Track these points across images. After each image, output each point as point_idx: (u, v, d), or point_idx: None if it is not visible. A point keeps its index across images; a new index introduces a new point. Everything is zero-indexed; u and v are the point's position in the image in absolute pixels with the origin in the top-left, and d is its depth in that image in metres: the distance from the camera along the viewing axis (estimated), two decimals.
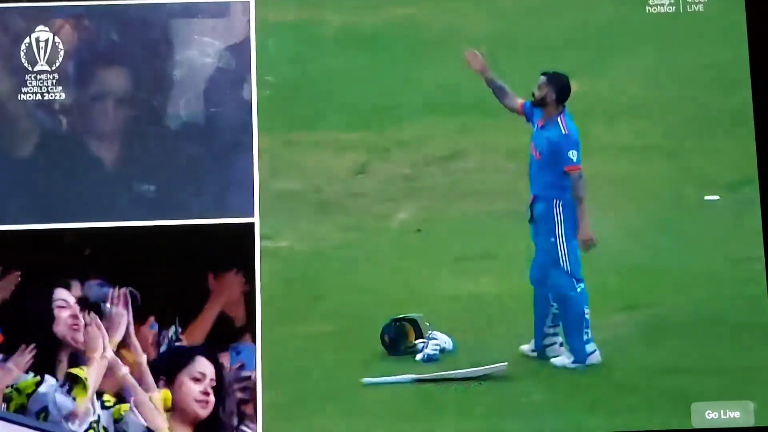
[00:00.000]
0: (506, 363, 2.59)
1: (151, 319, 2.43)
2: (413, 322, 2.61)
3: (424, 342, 2.60)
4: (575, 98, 2.68)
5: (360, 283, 2.60)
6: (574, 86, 2.68)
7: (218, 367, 2.40)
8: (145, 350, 2.38)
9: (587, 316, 2.63)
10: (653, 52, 2.67)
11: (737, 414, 2.50)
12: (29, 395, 2.32)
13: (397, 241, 2.62)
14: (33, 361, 2.35)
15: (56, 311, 2.37)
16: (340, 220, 2.62)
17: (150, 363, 2.39)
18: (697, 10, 2.67)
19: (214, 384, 2.38)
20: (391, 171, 2.64)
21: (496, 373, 2.59)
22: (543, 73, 2.66)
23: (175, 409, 2.35)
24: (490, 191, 2.65)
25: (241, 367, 2.44)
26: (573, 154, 2.65)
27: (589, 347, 2.63)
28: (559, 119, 2.65)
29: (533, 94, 2.67)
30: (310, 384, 2.52)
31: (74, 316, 2.37)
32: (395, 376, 2.56)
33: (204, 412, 2.37)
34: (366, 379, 2.55)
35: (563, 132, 2.66)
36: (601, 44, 2.68)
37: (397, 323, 2.60)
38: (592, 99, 2.69)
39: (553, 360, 2.63)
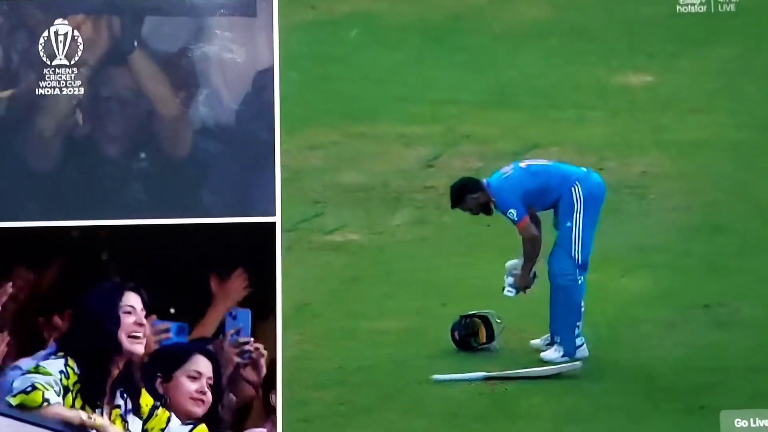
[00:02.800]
0: (580, 363, 2.52)
1: (153, 316, 2.39)
2: (484, 319, 2.55)
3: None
4: (647, 90, 2.61)
5: (429, 278, 2.54)
6: (647, 77, 2.62)
7: (216, 366, 2.35)
8: (149, 345, 2.36)
9: (582, 310, 2.58)
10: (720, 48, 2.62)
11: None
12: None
13: (466, 236, 2.57)
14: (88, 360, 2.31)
15: (123, 316, 2.32)
16: (409, 215, 2.56)
17: (148, 359, 2.36)
18: (729, 9, 2.61)
19: (212, 382, 2.34)
20: (461, 165, 2.59)
21: (569, 373, 2.52)
22: (452, 202, 2.57)
23: (172, 407, 2.32)
24: None
25: (238, 332, 2.40)
26: (511, 214, 2.60)
27: (578, 341, 2.55)
28: (491, 201, 2.61)
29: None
30: (380, 380, 2.46)
31: (138, 323, 2.32)
32: (466, 373, 2.50)
33: (199, 411, 2.32)
34: (436, 376, 2.48)
35: (493, 203, 2.60)
36: (660, 40, 2.63)
37: (467, 320, 2.53)
38: (664, 93, 2.63)
39: (542, 354, 2.56)
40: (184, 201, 2.45)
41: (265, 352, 2.40)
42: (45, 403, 2.22)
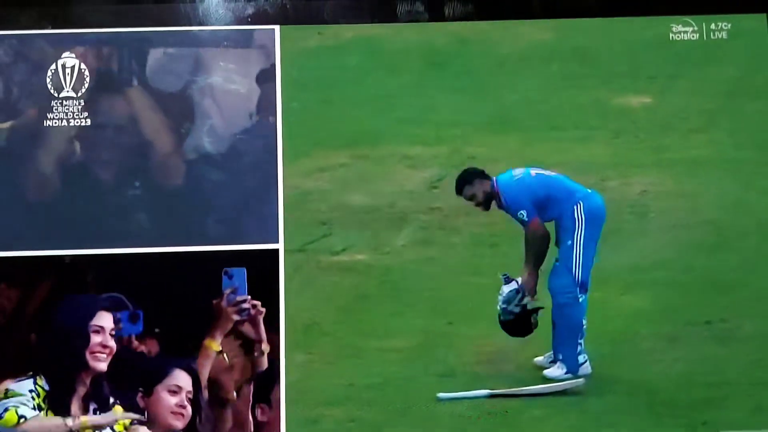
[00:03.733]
0: (583, 379, 2.55)
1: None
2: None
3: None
4: (648, 111, 2.65)
5: (435, 297, 2.57)
6: (647, 99, 2.66)
7: (195, 379, 2.40)
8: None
9: (584, 327, 2.60)
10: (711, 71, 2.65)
11: None
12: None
13: (472, 256, 2.60)
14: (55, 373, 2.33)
15: (92, 335, 2.35)
16: (414, 235, 2.59)
17: (129, 374, 2.39)
18: (720, 37, 2.65)
19: (191, 396, 2.38)
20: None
21: (573, 390, 2.55)
22: (458, 185, 2.62)
23: (152, 422, 2.36)
24: None
25: (234, 292, 2.43)
26: (522, 215, 2.63)
27: (581, 358, 2.58)
28: (497, 193, 2.63)
29: (475, 205, 2.63)
30: (386, 399, 2.49)
31: (103, 345, 2.36)
32: (470, 391, 2.53)
33: (179, 424, 2.37)
34: (441, 394, 2.51)
35: (503, 203, 2.63)
36: (662, 62, 2.67)
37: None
38: (664, 113, 2.66)
39: (545, 372, 2.58)
40: (186, 229, 2.48)
41: (263, 310, 2.44)
42: (22, 419, 2.25)
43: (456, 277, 2.59)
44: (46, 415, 2.29)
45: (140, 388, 2.35)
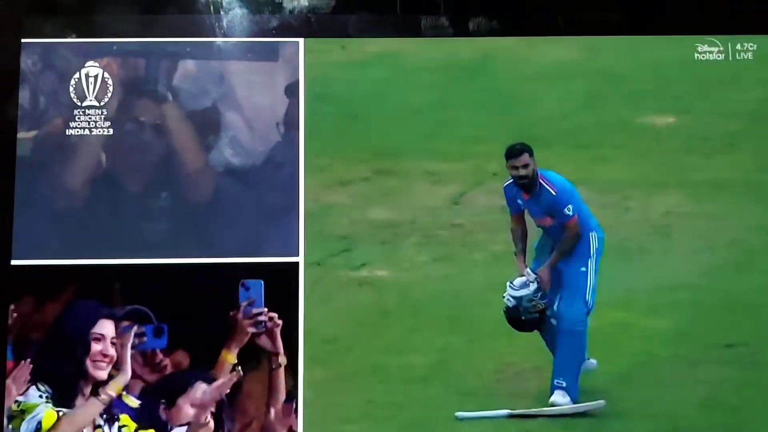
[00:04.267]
0: (604, 401, 2.52)
1: (124, 322, 2.39)
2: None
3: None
4: (671, 130, 2.63)
5: (455, 314, 2.54)
6: (671, 119, 2.64)
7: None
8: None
9: (586, 355, 2.58)
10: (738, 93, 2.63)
11: None
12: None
13: (492, 273, 2.57)
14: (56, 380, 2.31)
15: (93, 343, 2.33)
16: (435, 251, 2.57)
17: (152, 386, 2.37)
18: (746, 57, 2.64)
19: (214, 410, 2.36)
20: (488, 202, 2.60)
21: (594, 411, 2.52)
22: (520, 149, 2.60)
23: None
24: None
25: (251, 304, 2.41)
26: (569, 209, 2.61)
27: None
28: (541, 183, 2.61)
29: (520, 176, 2.60)
30: (404, 417, 2.46)
31: (104, 354, 2.34)
32: (490, 411, 2.50)
33: None
34: (459, 414, 2.48)
35: (553, 193, 2.61)
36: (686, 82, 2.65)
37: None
38: (688, 133, 2.64)
39: (550, 399, 2.54)
40: (206, 241, 2.47)
41: (280, 322, 2.42)
42: (60, 412, 2.24)
43: (477, 295, 2.56)
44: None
45: (162, 400, 2.33)
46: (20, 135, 2.48)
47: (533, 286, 2.58)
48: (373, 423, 2.44)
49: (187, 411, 2.33)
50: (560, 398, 2.54)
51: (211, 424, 2.34)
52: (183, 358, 2.40)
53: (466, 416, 2.47)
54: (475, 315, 2.55)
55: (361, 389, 2.46)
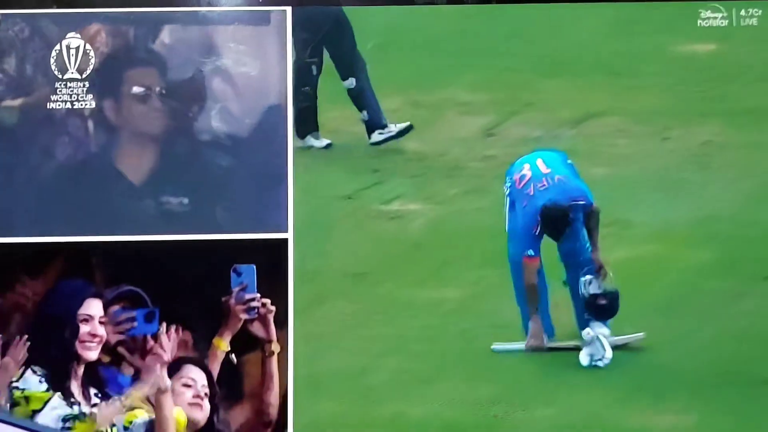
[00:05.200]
0: (643, 333, 2.45)
1: (115, 306, 2.34)
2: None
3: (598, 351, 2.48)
4: (710, 58, 2.55)
5: (488, 248, 2.48)
6: (711, 46, 2.56)
7: (210, 376, 2.32)
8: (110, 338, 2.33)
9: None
10: None
11: None
12: (35, 411, 2.25)
13: None
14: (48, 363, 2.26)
15: (81, 324, 2.28)
16: (467, 184, 2.51)
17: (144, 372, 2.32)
18: (750, 23, 2.55)
19: (207, 391, 2.30)
20: (522, 134, 2.53)
21: (634, 344, 2.46)
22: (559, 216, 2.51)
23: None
24: (623, 155, 2.52)
25: (244, 289, 2.35)
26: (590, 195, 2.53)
27: None
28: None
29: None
30: (440, 349, 2.41)
31: (92, 334, 2.29)
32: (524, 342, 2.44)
33: (200, 415, 2.28)
34: (495, 346, 2.43)
35: (582, 203, 2.52)
36: None
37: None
38: (728, 61, 2.56)
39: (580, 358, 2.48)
40: (196, 217, 2.41)
41: (273, 308, 2.36)
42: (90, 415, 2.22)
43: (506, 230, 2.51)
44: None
45: None
46: (3, 104, 2.42)
47: (594, 284, 2.51)
48: (406, 357, 2.38)
49: (181, 392, 2.28)
50: (585, 357, 2.47)
51: (207, 406, 2.29)
52: (187, 337, 2.35)
53: (502, 348, 2.41)
54: (507, 248, 2.48)
55: (393, 323, 2.40)
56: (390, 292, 2.42)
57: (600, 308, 2.47)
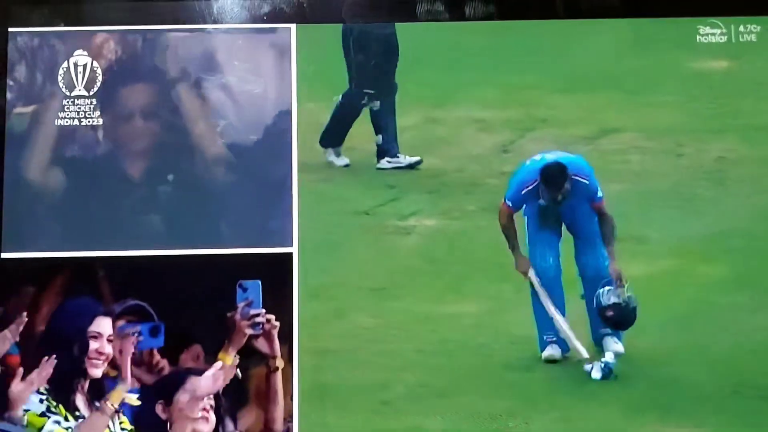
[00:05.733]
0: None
1: (120, 322, 2.34)
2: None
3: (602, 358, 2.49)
4: (725, 75, 2.56)
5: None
6: (725, 63, 2.57)
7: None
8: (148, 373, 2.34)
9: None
10: None
11: None
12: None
13: None
14: (53, 379, 2.27)
15: (90, 341, 2.30)
16: (484, 200, 2.52)
17: (148, 388, 2.33)
18: (749, 39, 2.56)
19: (212, 403, 2.32)
20: (537, 149, 2.55)
21: (647, 356, 2.47)
22: (562, 179, 2.53)
23: (176, 429, 2.29)
24: (638, 171, 2.54)
25: (249, 305, 2.36)
26: (600, 192, 2.54)
27: None
28: (574, 179, 2.54)
29: (556, 199, 2.54)
30: (459, 363, 2.42)
31: (100, 352, 2.30)
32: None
33: (207, 428, 2.30)
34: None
35: (586, 182, 2.54)
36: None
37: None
38: (742, 77, 2.57)
39: (593, 375, 2.49)
40: (201, 232, 2.42)
41: (277, 324, 2.37)
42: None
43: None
44: (68, 414, 2.25)
45: (160, 400, 2.29)
46: (13, 115, 2.43)
47: (611, 294, 2.52)
48: (424, 371, 2.40)
49: (185, 405, 2.29)
50: (597, 372, 2.48)
51: (212, 419, 2.30)
52: (198, 351, 2.36)
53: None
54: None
55: (411, 338, 2.42)
56: (408, 306, 2.43)
57: (616, 318, 2.48)
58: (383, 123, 2.55)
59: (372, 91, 2.51)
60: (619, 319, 2.48)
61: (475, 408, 2.37)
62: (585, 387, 2.43)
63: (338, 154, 2.54)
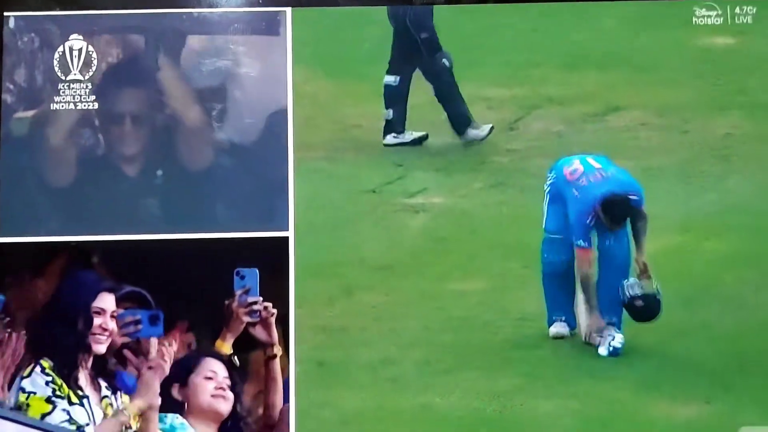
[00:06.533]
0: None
1: (119, 309, 2.33)
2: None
3: (610, 334, 2.48)
4: (731, 52, 2.55)
5: (511, 240, 2.50)
6: (731, 40, 2.56)
7: (229, 367, 2.32)
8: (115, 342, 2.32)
9: None
10: None
11: None
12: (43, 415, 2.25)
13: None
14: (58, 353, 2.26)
15: (94, 317, 2.28)
16: (491, 178, 2.52)
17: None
18: (745, 21, 2.55)
19: (229, 383, 2.31)
20: (544, 128, 2.54)
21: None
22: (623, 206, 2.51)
23: (194, 412, 2.29)
24: (645, 147, 2.53)
25: (247, 292, 2.35)
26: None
27: None
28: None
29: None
30: (465, 341, 2.42)
31: (103, 328, 2.29)
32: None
33: (225, 407, 2.28)
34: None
35: (637, 199, 2.51)
36: None
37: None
38: (748, 54, 2.56)
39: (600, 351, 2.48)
40: (199, 216, 2.41)
41: (274, 311, 2.36)
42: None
43: (533, 220, 2.51)
44: (72, 396, 2.24)
45: (174, 383, 2.28)
46: (9, 101, 2.42)
47: (636, 286, 2.50)
48: (431, 349, 2.40)
49: (204, 385, 2.29)
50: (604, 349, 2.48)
51: (230, 396, 2.30)
52: (190, 339, 2.35)
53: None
54: (531, 240, 2.50)
55: (418, 316, 2.42)
56: (415, 284, 2.43)
57: (639, 310, 2.47)
58: (396, 98, 2.55)
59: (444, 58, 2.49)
60: (647, 310, 2.46)
61: (483, 385, 2.38)
62: (593, 365, 2.43)
63: (476, 127, 2.52)
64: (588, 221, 2.49)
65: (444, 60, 2.49)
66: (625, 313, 2.48)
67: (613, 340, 2.45)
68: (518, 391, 2.38)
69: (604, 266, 2.51)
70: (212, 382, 2.29)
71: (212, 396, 2.28)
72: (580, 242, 2.48)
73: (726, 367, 2.40)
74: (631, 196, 2.49)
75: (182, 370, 2.30)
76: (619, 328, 2.48)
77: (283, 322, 2.36)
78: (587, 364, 2.44)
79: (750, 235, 2.49)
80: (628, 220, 2.50)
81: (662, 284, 2.48)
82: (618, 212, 2.49)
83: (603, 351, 2.46)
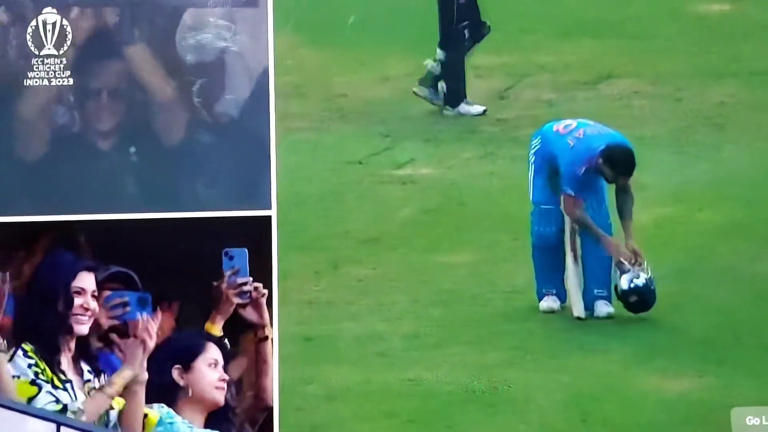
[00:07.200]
0: None
1: (107, 292, 2.28)
2: None
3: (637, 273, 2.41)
4: (725, 19, 2.50)
5: (500, 212, 2.46)
6: (725, 6, 2.51)
7: (225, 353, 2.28)
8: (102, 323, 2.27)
9: None
10: None
11: None
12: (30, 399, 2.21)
13: None
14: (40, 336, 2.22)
15: (74, 297, 2.23)
16: (480, 148, 2.48)
17: (161, 348, 2.27)
18: None
19: (227, 376, 2.27)
20: (534, 96, 2.50)
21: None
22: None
23: (192, 399, 2.24)
24: (637, 116, 2.49)
25: (236, 273, 2.30)
26: None
27: None
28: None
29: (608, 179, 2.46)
30: (454, 314, 2.38)
31: (84, 308, 2.24)
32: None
33: (221, 399, 2.26)
34: None
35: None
36: None
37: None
38: (744, 21, 2.52)
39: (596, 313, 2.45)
40: (177, 194, 2.36)
41: (265, 292, 2.31)
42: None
43: (522, 190, 2.47)
44: (55, 380, 2.20)
45: (176, 365, 2.23)
46: None
47: (625, 278, 2.45)
48: (419, 322, 2.36)
49: (208, 373, 2.24)
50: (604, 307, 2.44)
51: (225, 390, 2.26)
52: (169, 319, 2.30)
53: None
54: (521, 212, 2.45)
55: (406, 289, 2.38)
56: (402, 257, 2.39)
57: (640, 302, 2.42)
58: (453, 72, 2.48)
59: (466, 22, 2.43)
60: (642, 302, 2.41)
61: (472, 358, 2.34)
62: (583, 338, 2.39)
63: (470, 104, 2.47)
64: (579, 171, 2.42)
65: (466, 30, 2.43)
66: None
67: (637, 278, 2.39)
68: (507, 365, 2.34)
69: (586, 236, 2.46)
70: (215, 372, 2.25)
71: (216, 388, 2.24)
72: (567, 189, 2.40)
73: (720, 340, 2.36)
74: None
75: (187, 353, 2.25)
76: (609, 301, 2.44)
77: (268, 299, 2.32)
78: (577, 337, 2.39)
79: (745, 206, 2.45)
80: (615, 194, 2.43)
81: (654, 256, 2.43)
82: (622, 161, 2.39)
83: (624, 284, 2.39)
